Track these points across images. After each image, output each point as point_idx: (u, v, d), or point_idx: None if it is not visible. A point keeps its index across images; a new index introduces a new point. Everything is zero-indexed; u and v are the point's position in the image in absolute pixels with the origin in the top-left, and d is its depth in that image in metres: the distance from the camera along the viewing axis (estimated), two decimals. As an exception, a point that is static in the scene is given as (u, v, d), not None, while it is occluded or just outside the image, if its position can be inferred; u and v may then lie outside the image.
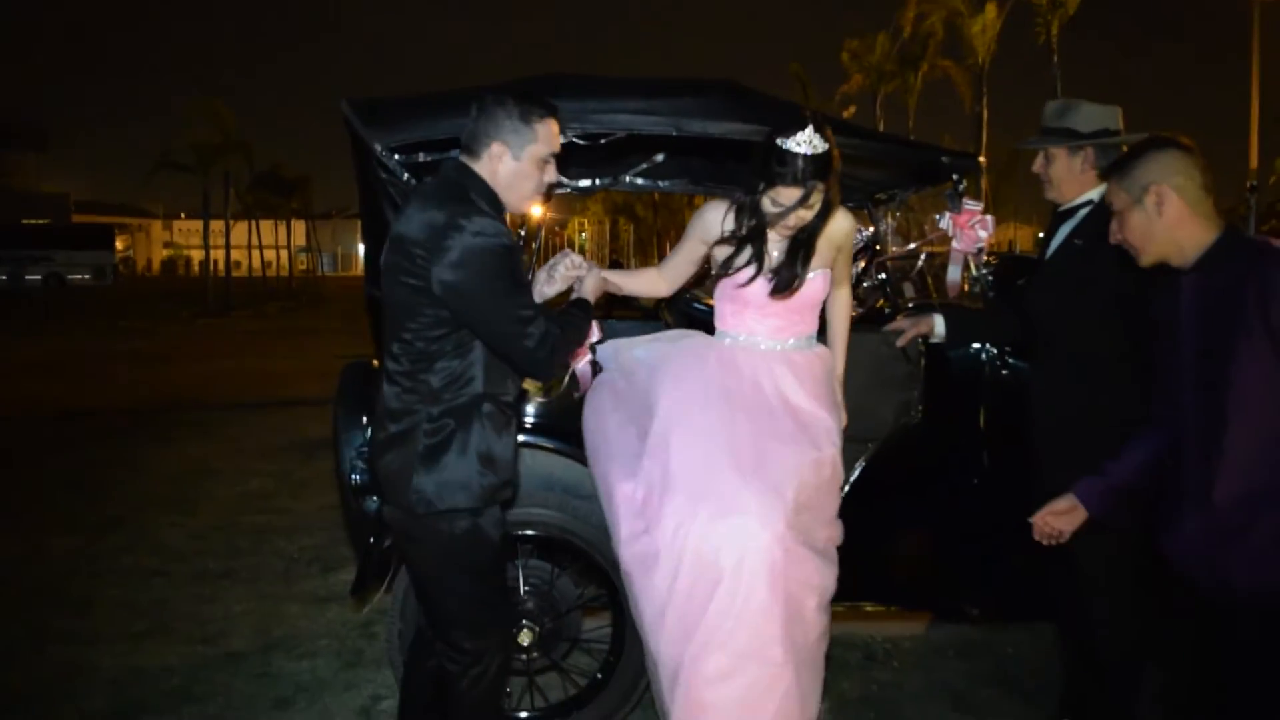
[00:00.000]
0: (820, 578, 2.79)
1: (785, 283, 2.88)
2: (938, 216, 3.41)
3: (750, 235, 2.89)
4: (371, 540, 3.14)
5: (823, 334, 3.17)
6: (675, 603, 2.67)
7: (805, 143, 2.65)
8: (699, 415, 2.84)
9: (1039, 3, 32.00)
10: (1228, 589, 2.22)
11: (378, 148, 3.10)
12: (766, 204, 2.80)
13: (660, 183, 4.64)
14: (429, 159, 3.20)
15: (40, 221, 53.39)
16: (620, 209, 62.16)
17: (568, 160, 4.12)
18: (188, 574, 5.10)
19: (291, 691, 3.74)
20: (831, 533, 2.91)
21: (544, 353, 2.49)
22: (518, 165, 2.55)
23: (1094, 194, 3.01)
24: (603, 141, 3.27)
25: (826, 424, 2.92)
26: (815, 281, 2.94)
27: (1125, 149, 3.00)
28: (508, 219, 2.60)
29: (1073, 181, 3.06)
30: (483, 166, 2.54)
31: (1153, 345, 2.45)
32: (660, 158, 4.17)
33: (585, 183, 4.53)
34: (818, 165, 2.68)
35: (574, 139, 3.24)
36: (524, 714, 3.31)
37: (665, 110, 3.17)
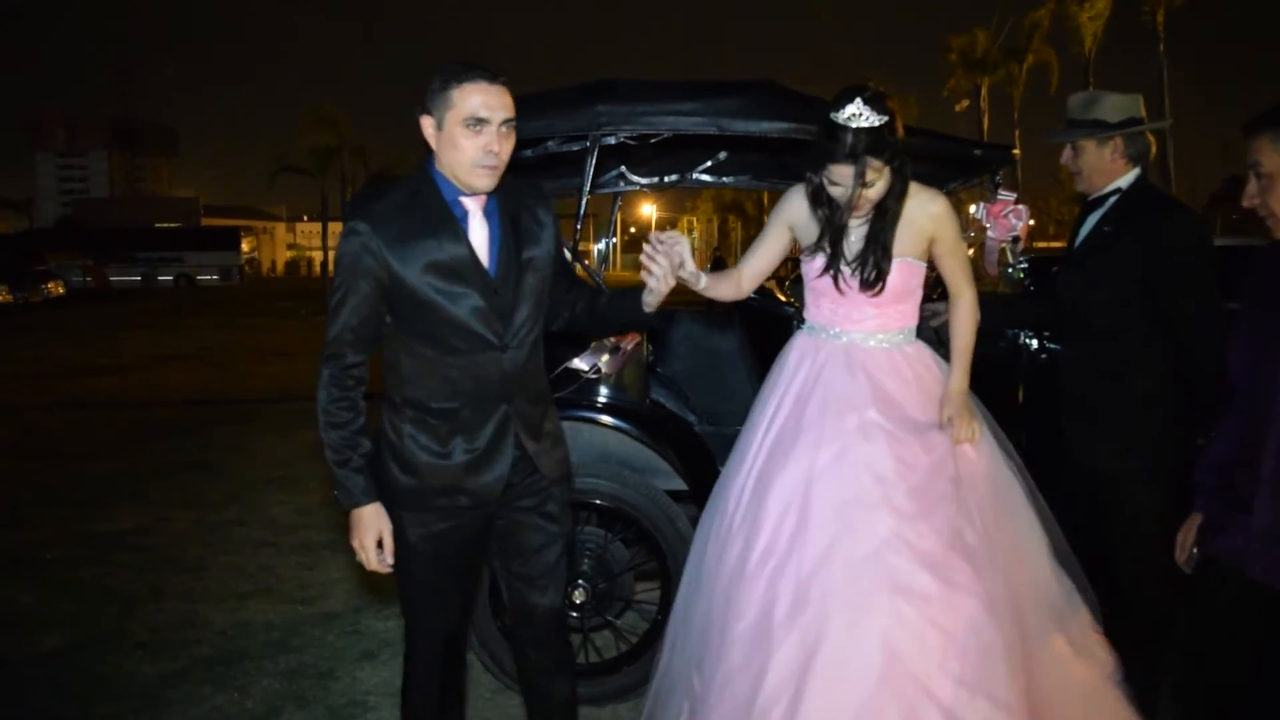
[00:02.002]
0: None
1: (872, 276, 2.64)
2: (973, 207, 3.54)
3: (828, 222, 2.67)
4: None
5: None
6: None
7: (854, 115, 2.47)
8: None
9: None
10: None
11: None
12: (829, 186, 2.60)
13: (724, 179, 4.86)
14: None
15: (171, 225, 56.35)
16: (729, 206, 62.17)
17: (631, 160, 4.42)
18: (293, 544, 5.55)
19: (377, 646, 4.12)
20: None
21: (320, 388, 2.44)
22: (443, 134, 2.34)
23: (1121, 182, 3.11)
24: (653, 141, 3.51)
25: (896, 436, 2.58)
26: (892, 273, 2.66)
27: (1151, 135, 3.14)
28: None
29: (1103, 171, 3.15)
30: (433, 145, 2.40)
31: (1252, 325, 2.40)
32: (724, 155, 4.41)
33: (652, 180, 4.80)
34: (870, 139, 2.47)
35: (626, 140, 3.50)
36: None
37: (707, 111, 3.41)
